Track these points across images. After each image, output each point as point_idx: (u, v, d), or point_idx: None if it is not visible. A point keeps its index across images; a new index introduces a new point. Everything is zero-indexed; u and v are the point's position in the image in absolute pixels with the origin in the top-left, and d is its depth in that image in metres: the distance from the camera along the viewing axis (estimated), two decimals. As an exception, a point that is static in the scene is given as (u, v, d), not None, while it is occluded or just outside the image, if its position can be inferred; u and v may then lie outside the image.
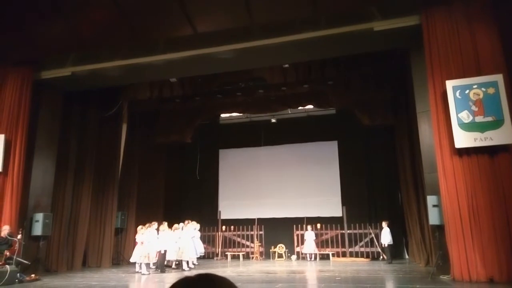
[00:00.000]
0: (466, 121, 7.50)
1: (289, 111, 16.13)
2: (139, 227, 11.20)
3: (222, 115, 17.43)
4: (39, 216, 10.28)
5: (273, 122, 16.46)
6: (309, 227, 14.43)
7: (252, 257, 14.93)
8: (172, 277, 10.04)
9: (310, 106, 15.32)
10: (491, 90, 7.45)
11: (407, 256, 13.60)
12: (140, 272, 10.50)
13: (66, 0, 8.85)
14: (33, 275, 9.30)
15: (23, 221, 10.06)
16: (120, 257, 13.41)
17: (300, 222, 14.96)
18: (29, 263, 9.65)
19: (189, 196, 17.17)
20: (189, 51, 9.95)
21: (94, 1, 8.90)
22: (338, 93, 12.84)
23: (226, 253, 15.24)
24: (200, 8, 8.76)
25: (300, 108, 15.71)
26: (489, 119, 7.39)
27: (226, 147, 17.57)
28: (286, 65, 11.54)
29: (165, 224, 11.36)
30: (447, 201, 7.52)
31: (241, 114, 16.50)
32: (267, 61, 10.87)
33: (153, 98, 13.33)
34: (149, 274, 10.44)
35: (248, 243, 15.43)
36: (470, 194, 7.35)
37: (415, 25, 8.57)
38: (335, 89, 12.77)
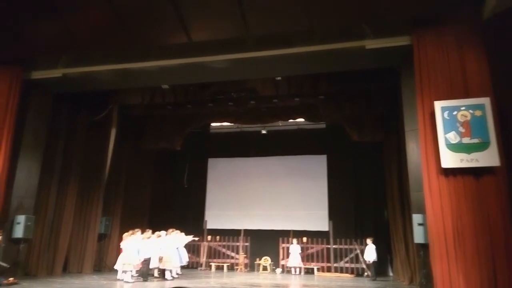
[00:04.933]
0: (453, 142, 7.60)
1: (280, 123, 16.18)
2: (125, 234, 11.05)
3: (213, 124, 17.40)
4: (21, 218, 10.06)
5: (264, 134, 16.47)
6: (294, 240, 14.38)
7: (237, 269, 14.77)
8: (155, 286, 9.88)
9: (301, 119, 15.41)
10: (478, 113, 7.58)
11: (391, 274, 13.61)
12: (122, 280, 10.33)
13: (62, 1, 8.82)
14: (11, 279, 9.10)
15: (4, 222, 9.84)
16: (103, 264, 13.15)
17: (286, 235, 14.90)
18: (8, 266, 9.43)
19: (176, 204, 17.00)
20: (183, 59, 9.96)
21: (91, 4, 8.89)
22: (329, 107, 12.93)
23: (211, 263, 15.07)
24: (196, 17, 8.79)
25: (290, 120, 15.78)
26: (476, 141, 7.50)
27: (215, 156, 17.50)
28: (279, 78, 11.60)
29: (149, 231, 11.23)
30: (432, 220, 7.57)
31: (232, 124, 16.48)
32: (260, 72, 10.94)
33: (144, 104, 13.25)
34: (133, 282, 10.25)
35: (233, 254, 15.29)
36: (455, 214, 7.41)
37: (406, 45, 8.72)
38: (327, 104, 12.86)
